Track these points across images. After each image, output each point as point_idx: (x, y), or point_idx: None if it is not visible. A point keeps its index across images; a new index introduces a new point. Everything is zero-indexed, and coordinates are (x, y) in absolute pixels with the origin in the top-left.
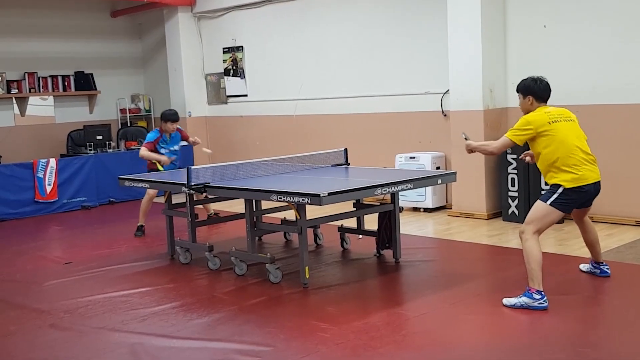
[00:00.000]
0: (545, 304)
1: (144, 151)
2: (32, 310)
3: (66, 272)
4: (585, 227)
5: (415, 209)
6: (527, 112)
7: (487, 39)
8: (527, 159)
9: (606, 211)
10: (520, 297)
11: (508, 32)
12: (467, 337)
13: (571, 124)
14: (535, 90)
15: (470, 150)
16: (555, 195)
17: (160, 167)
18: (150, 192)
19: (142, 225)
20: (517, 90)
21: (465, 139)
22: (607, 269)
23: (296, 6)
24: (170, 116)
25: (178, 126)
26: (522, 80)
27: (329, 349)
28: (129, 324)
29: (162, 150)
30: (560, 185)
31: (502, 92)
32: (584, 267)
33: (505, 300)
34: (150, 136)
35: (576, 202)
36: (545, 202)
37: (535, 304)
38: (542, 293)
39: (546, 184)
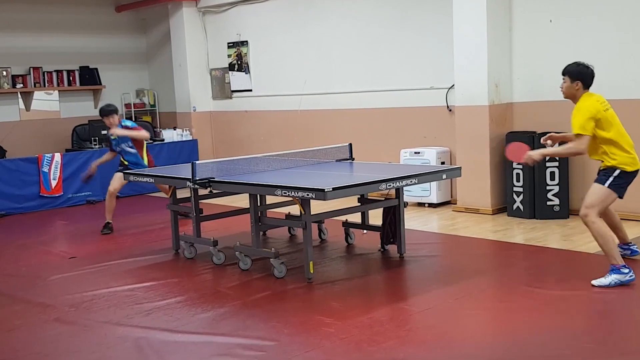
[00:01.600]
0: (634, 276)
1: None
2: (36, 305)
3: (71, 267)
4: (610, 212)
5: (420, 204)
6: (570, 96)
7: (493, 34)
8: (549, 142)
9: (612, 206)
10: (609, 275)
11: (513, 27)
12: (472, 332)
13: (614, 113)
14: (585, 77)
15: (539, 158)
16: (611, 178)
17: (124, 162)
18: (110, 189)
19: (109, 223)
20: (566, 73)
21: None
22: (636, 248)
23: (301, 1)
24: (103, 111)
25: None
26: (572, 65)
27: (333, 344)
28: (134, 318)
29: (117, 148)
30: (616, 168)
31: (508, 87)
32: None
33: (596, 282)
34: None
35: (627, 184)
36: (604, 184)
37: (627, 277)
38: (627, 266)
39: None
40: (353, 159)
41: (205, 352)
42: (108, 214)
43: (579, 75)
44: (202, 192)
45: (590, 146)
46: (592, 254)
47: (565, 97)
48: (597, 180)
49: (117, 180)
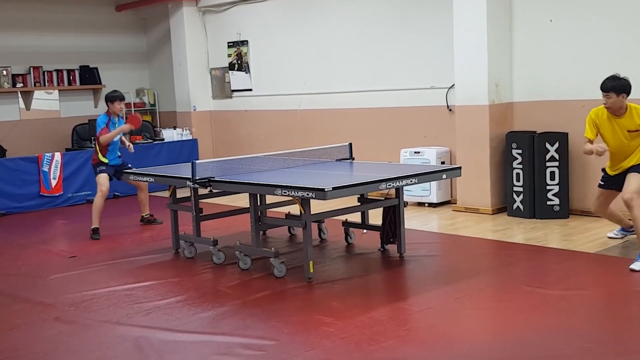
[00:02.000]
0: None
1: (103, 137)
2: (36, 304)
3: (71, 266)
4: (610, 206)
5: (420, 204)
6: (617, 108)
7: (493, 34)
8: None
9: (615, 206)
10: None
11: (514, 27)
12: (471, 332)
13: None
14: (628, 88)
15: None
16: None
17: (104, 160)
18: (103, 189)
19: (97, 228)
20: (610, 89)
21: None
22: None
23: (301, 1)
24: (118, 95)
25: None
26: (613, 81)
27: (332, 343)
28: (134, 318)
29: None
30: None
31: (508, 86)
32: (614, 233)
33: (634, 266)
34: (101, 120)
35: None
36: None
37: None
38: None
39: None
40: (353, 159)
41: (205, 351)
42: (97, 218)
43: (624, 89)
44: (202, 191)
45: (630, 146)
46: (592, 253)
47: (611, 112)
48: (636, 171)
49: (107, 180)
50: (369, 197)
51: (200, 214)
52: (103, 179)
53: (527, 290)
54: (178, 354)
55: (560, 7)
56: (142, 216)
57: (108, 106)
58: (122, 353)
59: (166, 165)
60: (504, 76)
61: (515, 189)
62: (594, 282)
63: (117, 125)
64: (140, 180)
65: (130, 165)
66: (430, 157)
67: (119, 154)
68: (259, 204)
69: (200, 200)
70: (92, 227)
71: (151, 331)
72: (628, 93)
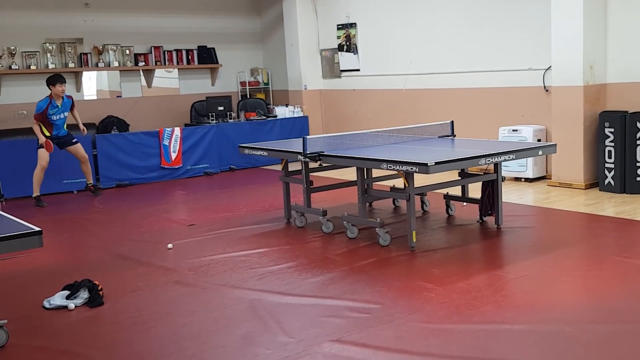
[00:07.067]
0: None
1: (34, 125)
2: (158, 268)
3: (190, 233)
4: None
5: (517, 179)
6: None
7: (589, 18)
8: None
9: None
10: None
11: (608, 12)
12: (563, 298)
13: None
14: None
15: None
16: None
17: (47, 132)
18: (43, 163)
19: (39, 196)
20: None
21: None
22: None
23: None
24: (59, 78)
25: (68, 94)
26: None
27: (433, 307)
28: (248, 282)
29: (54, 117)
30: None
31: (602, 68)
32: None
33: None
34: (40, 105)
35: None
36: None
37: None
38: None
39: None
40: (454, 136)
41: (315, 313)
42: (37, 187)
43: None
44: (313, 165)
45: None
46: None
47: None
48: None
49: (47, 155)
50: (469, 171)
51: (311, 186)
52: (42, 154)
53: (616, 260)
54: (289, 315)
55: None
56: (87, 184)
57: (50, 89)
58: (238, 314)
59: (279, 140)
60: (598, 58)
61: (607, 165)
62: None
63: (59, 109)
64: (255, 154)
65: (76, 140)
66: (527, 134)
67: (62, 133)
68: (365, 177)
69: (310, 173)
70: (34, 195)
71: (265, 294)
72: None
